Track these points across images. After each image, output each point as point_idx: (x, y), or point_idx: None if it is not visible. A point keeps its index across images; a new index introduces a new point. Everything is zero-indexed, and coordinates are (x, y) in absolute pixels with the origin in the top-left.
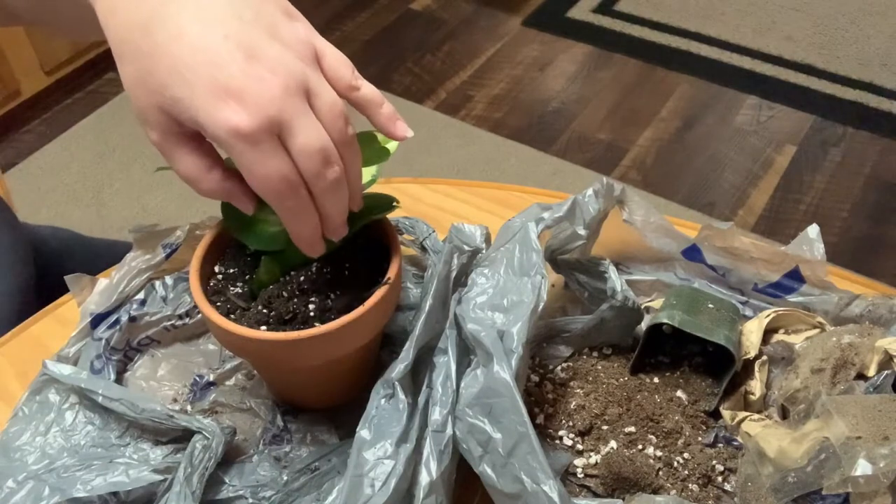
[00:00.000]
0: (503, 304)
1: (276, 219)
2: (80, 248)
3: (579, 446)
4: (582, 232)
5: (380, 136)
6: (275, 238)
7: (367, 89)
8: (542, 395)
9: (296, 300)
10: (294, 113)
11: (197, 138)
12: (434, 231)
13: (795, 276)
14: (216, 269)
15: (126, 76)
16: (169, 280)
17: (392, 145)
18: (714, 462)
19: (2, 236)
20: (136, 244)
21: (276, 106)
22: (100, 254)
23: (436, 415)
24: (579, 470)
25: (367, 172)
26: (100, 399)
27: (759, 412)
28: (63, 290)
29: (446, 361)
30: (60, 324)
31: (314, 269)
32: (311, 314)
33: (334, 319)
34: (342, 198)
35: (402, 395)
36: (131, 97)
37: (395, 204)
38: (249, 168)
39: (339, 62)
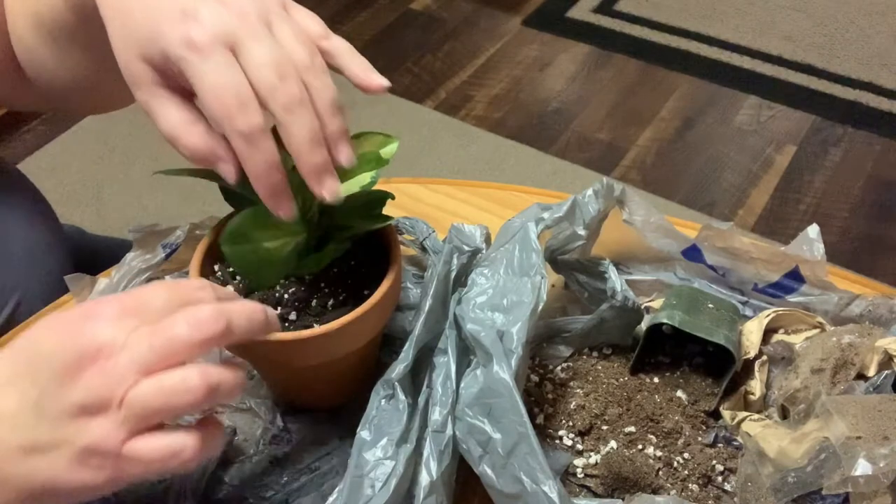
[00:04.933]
0: (503, 304)
1: (269, 234)
2: (82, 243)
3: (579, 446)
4: (582, 232)
5: (378, 146)
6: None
7: (338, 40)
8: (542, 395)
9: (296, 301)
10: (250, 30)
11: (181, 92)
12: (434, 231)
13: (795, 276)
14: (216, 268)
15: (113, 37)
16: (168, 280)
17: (388, 150)
18: (714, 462)
19: (41, 235)
20: (136, 244)
21: (232, 23)
22: (99, 250)
23: (436, 415)
24: (579, 470)
25: (367, 175)
26: None
27: (759, 412)
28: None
29: (446, 362)
30: (53, 315)
31: (316, 271)
32: (312, 315)
33: (334, 320)
34: (308, 119)
35: (402, 396)
36: (119, 60)
37: (390, 198)
38: (200, 80)
39: (309, 16)
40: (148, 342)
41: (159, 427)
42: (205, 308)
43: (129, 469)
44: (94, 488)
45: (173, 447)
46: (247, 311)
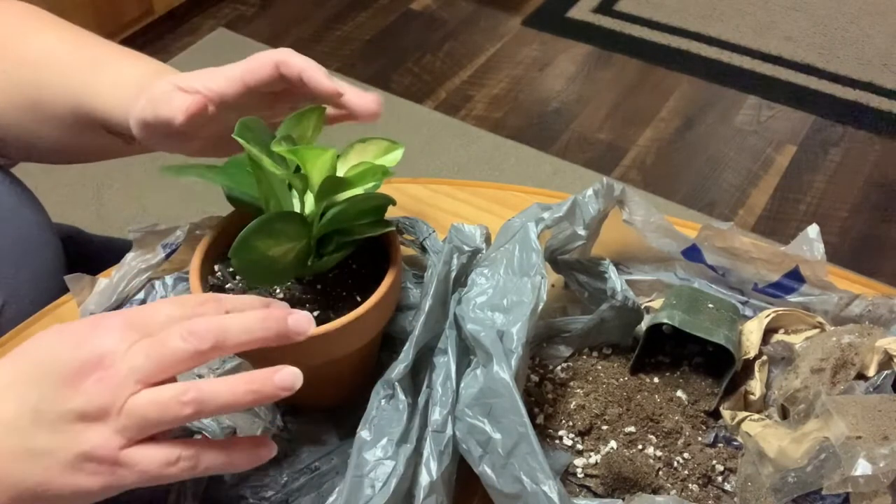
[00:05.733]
0: (503, 304)
1: (272, 242)
2: (80, 243)
3: (579, 446)
4: (582, 232)
5: (383, 152)
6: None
7: None
8: (542, 395)
9: (296, 302)
10: None
11: None
12: (434, 231)
13: (795, 276)
14: (216, 268)
15: None
16: (169, 280)
17: (392, 157)
18: (714, 462)
19: (31, 233)
20: (136, 244)
21: None
22: (99, 250)
23: (436, 415)
24: (579, 470)
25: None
26: None
27: (759, 412)
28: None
29: (446, 362)
30: (60, 324)
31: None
32: (312, 315)
33: (334, 320)
34: None
35: (402, 396)
36: None
37: (392, 203)
38: None
39: None
40: (145, 353)
41: (156, 437)
42: (199, 321)
43: (124, 476)
44: (88, 494)
45: (168, 458)
46: (246, 324)
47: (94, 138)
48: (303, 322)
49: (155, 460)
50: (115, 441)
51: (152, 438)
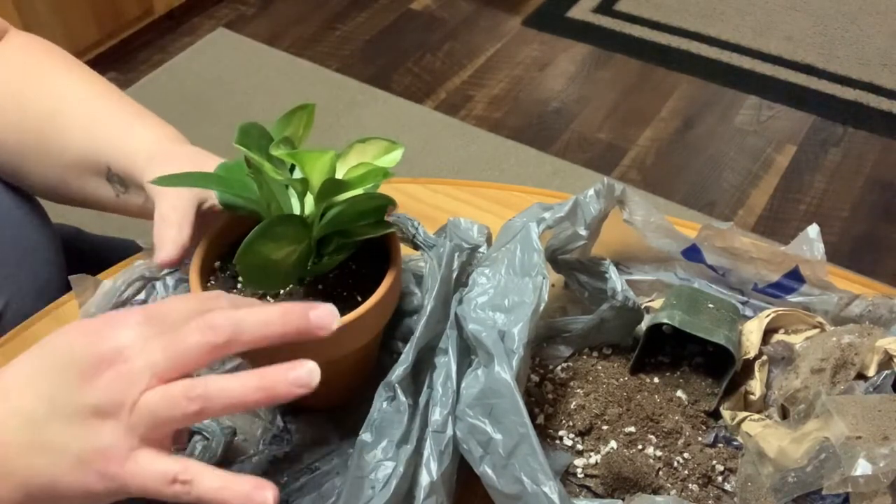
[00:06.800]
0: (504, 304)
1: (274, 246)
2: (81, 243)
3: (579, 446)
4: (583, 232)
5: (383, 153)
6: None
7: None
8: (542, 396)
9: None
10: None
11: None
12: (419, 224)
13: (795, 276)
14: (215, 265)
15: None
16: (170, 281)
17: (392, 157)
18: (714, 462)
19: (31, 233)
20: (146, 253)
21: None
22: (99, 250)
23: (436, 415)
24: (579, 470)
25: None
26: None
27: (759, 412)
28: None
29: (447, 362)
30: (60, 324)
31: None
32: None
33: None
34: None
35: (402, 397)
36: None
37: (392, 204)
38: None
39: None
40: (162, 348)
41: (164, 448)
42: (217, 314)
43: (128, 482)
44: (95, 496)
45: (166, 476)
46: (265, 317)
47: (93, 185)
48: (326, 316)
49: (155, 475)
50: (126, 440)
51: (163, 448)
